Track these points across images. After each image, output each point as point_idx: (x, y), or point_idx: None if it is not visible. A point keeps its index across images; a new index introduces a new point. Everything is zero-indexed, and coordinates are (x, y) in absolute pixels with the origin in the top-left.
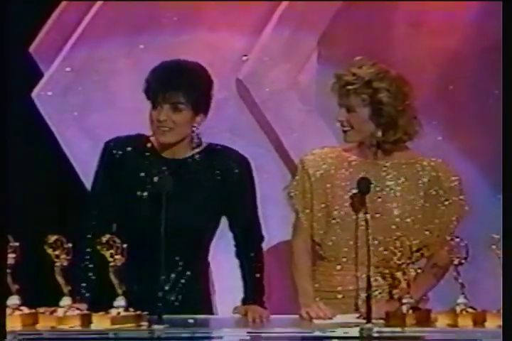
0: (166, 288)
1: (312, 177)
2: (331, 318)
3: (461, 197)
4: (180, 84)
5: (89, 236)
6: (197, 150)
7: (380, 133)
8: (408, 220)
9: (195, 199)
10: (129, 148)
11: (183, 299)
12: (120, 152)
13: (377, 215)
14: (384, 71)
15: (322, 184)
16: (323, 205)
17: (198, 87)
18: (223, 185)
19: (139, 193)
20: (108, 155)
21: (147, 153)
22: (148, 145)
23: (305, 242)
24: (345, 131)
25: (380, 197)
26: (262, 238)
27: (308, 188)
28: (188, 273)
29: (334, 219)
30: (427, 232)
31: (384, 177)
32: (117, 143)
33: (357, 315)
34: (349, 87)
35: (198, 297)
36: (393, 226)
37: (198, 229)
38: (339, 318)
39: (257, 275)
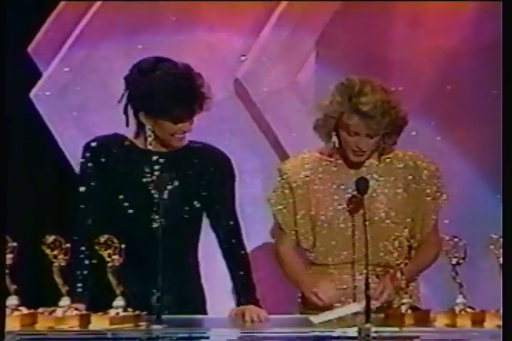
0: (161, 287)
1: (293, 185)
2: (332, 305)
3: (440, 184)
4: (184, 101)
5: (87, 236)
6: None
7: (381, 142)
8: (393, 214)
9: (179, 195)
10: (110, 148)
11: (177, 298)
12: (103, 152)
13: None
14: (382, 86)
15: (303, 191)
16: (307, 211)
17: (197, 101)
18: (204, 183)
19: (125, 192)
20: (92, 156)
21: (129, 151)
22: (126, 143)
23: (292, 248)
24: (360, 155)
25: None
26: (241, 236)
27: (290, 197)
28: (180, 271)
29: (321, 223)
30: (411, 222)
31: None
32: (99, 143)
33: (355, 303)
34: (386, 117)
35: (190, 295)
36: (380, 224)
37: (188, 224)
38: (339, 311)
39: (246, 273)
